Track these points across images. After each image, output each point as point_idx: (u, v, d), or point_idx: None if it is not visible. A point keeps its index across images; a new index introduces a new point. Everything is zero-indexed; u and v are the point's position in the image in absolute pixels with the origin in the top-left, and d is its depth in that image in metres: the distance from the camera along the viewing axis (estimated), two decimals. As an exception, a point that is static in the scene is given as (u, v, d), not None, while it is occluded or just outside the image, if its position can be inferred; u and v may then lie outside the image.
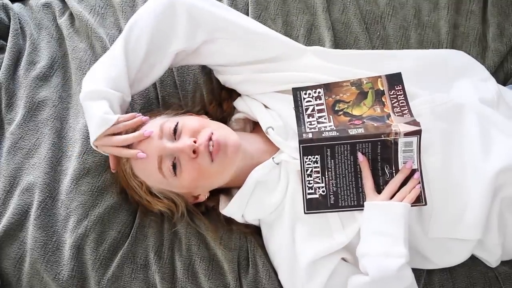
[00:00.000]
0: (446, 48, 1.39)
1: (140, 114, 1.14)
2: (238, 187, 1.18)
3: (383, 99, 1.14)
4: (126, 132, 1.12)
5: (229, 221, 1.23)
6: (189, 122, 1.15)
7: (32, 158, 1.25)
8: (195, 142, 1.10)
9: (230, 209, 1.19)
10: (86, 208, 1.21)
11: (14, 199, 1.21)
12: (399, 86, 1.14)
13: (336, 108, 1.15)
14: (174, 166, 1.10)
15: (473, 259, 1.23)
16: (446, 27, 1.40)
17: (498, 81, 1.37)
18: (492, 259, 1.20)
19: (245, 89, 1.27)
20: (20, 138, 1.27)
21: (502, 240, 1.16)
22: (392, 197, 1.08)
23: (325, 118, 1.14)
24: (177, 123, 1.13)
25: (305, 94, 1.17)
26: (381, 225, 1.06)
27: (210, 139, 1.10)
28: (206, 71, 1.35)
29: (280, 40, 1.25)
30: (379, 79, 1.16)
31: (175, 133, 1.12)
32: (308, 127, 1.12)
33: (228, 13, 1.21)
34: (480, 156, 1.13)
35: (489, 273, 1.23)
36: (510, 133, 1.17)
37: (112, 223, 1.22)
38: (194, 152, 1.09)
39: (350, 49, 1.40)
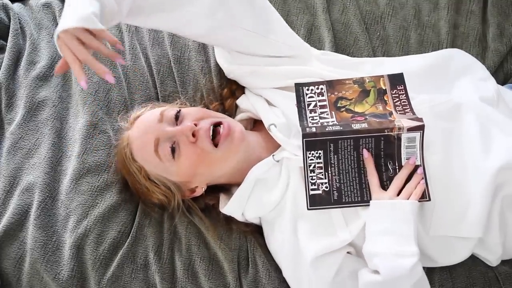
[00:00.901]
0: (446, 48, 1.39)
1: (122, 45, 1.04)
2: (238, 185, 1.19)
3: (385, 98, 1.15)
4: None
5: (229, 220, 1.23)
6: (192, 110, 1.16)
7: (32, 158, 1.25)
8: (195, 125, 1.10)
9: (230, 207, 1.19)
10: (85, 208, 1.21)
11: (14, 199, 1.21)
12: (401, 86, 1.15)
13: (339, 105, 1.15)
14: (173, 150, 1.11)
15: (473, 258, 1.22)
16: (446, 27, 1.40)
17: (498, 81, 1.37)
18: (492, 258, 1.20)
19: (248, 81, 1.27)
20: (20, 138, 1.27)
21: (503, 239, 1.16)
22: (398, 193, 1.08)
23: (327, 114, 1.14)
24: (179, 110, 1.15)
25: (308, 90, 1.17)
26: (390, 224, 1.06)
27: (213, 125, 1.11)
28: (205, 71, 1.36)
29: (299, 43, 1.26)
30: (381, 79, 1.16)
31: (177, 120, 1.13)
32: (310, 122, 1.13)
33: (259, 5, 1.20)
34: (480, 155, 1.14)
35: (489, 273, 1.23)
36: (509, 131, 1.17)
37: (112, 223, 1.22)
38: (193, 135, 1.10)
39: (350, 49, 1.40)
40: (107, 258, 1.19)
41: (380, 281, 1.04)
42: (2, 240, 1.18)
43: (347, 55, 1.38)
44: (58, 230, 1.20)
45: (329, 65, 1.26)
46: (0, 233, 1.18)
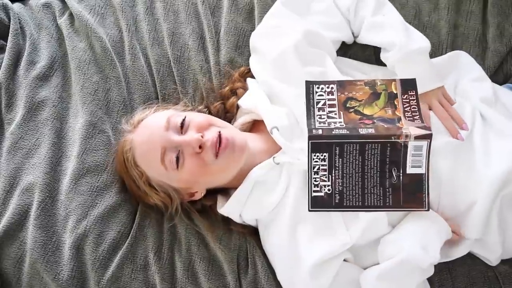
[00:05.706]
0: (446, 48, 1.39)
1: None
2: (236, 187, 1.18)
3: (396, 102, 1.14)
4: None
5: (227, 221, 1.23)
6: (197, 117, 1.16)
7: (32, 158, 1.25)
8: (202, 137, 1.10)
9: (228, 208, 1.19)
10: (85, 208, 1.21)
11: (14, 199, 1.21)
12: (413, 92, 1.14)
13: (348, 105, 1.14)
14: (177, 159, 1.11)
15: (473, 258, 1.23)
16: (446, 28, 1.40)
17: (498, 82, 1.37)
18: (492, 257, 1.21)
19: (264, 66, 1.26)
20: (20, 138, 1.27)
21: (502, 238, 1.17)
22: None
23: (335, 114, 1.13)
24: (185, 117, 1.14)
25: (318, 88, 1.16)
26: (432, 236, 1.10)
27: (219, 137, 1.10)
28: (205, 71, 1.35)
29: None
30: (393, 82, 1.16)
31: (182, 127, 1.13)
32: (317, 121, 1.11)
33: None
34: (482, 159, 1.15)
35: (489, 272, 1.23)
36: (508, 132, 1.17)
37: (112, 223, 1.22)
38: (200, 147, 1.10)
39: (350, 50, 1.39)
40: (107, 259, 1.19)
41: (398, 261, 1.07)
42: (2, 240, 1.18)
43: (347, 56, 1.38)
44: (58, 230, 1.19)
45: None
46: (0, 233, 1.18)
